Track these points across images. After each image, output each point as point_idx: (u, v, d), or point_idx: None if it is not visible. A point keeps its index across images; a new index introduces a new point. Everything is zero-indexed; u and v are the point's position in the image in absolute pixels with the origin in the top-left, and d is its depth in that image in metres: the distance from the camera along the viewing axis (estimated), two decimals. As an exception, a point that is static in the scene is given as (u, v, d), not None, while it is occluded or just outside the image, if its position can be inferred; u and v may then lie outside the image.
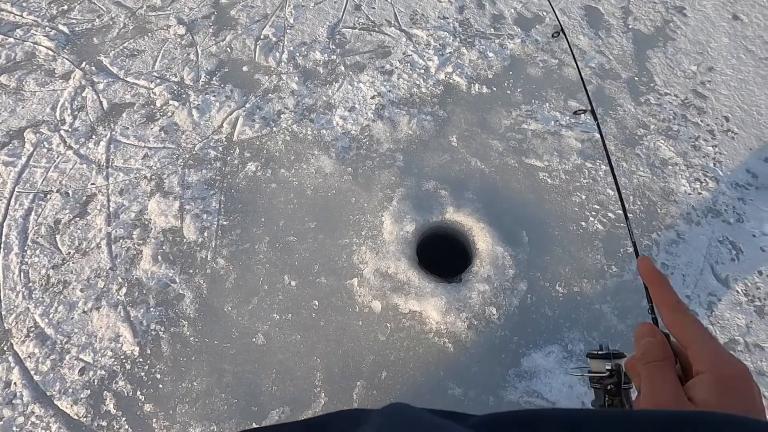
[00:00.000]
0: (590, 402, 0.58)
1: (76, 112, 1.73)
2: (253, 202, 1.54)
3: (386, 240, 1.45)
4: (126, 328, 1.32)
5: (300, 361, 1.28)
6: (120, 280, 1.40)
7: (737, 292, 1.39)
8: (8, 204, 1.52)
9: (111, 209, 1.52)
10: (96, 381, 1.25)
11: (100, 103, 1.76)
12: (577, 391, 1.24)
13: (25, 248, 1.44)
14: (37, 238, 1.47)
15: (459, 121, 1.73)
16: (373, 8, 2.08)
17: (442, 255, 1.54)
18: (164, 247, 1.45)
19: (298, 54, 1.92)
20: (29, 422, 1.19)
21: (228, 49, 1.93)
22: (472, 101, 1.79)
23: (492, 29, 2.02)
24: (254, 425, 1.19)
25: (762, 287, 1.40)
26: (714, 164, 1.65)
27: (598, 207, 1.54)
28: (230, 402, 1.22)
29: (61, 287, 1.38)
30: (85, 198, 1.54)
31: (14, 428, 1.18)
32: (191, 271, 1.41)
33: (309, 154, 1.64)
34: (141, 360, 1.28)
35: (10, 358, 1.28)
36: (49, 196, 1.54)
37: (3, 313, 1.34)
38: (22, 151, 1.64)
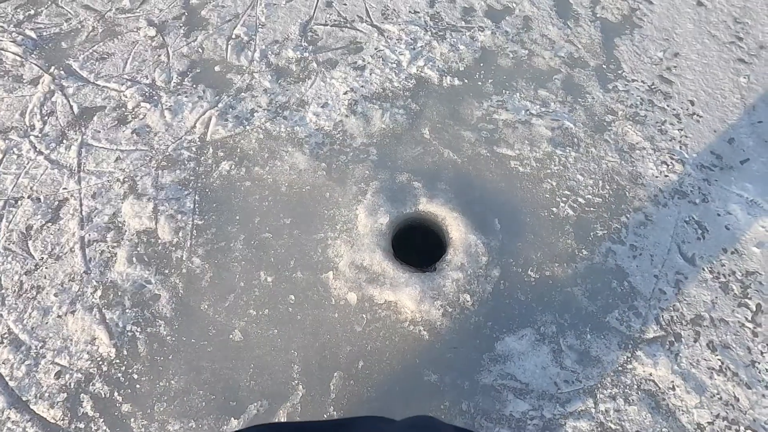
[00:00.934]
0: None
1: (46, 117, 1.72)
2: (227, 201, 1.54)
3: (361, 233, 1.47)
4: (102, 331, 1.31)
5: (277, 355, 1.29)
6: (95, 283, 1.39)
7: (703, 269, 1.43)
8: (-22, 211, 1.51)
9: (84, 213, 1.51)
10: (72, 384, 1.25)
11: (71, 107, 1.75)
12: (550, 372, 1.27)
13: (-3, 255, 1.43)
14: (9, 244, 1.45)
15: (431, 114, 1.75)
16: (345, 4, 2.09)
17: (417, 246, 1.56)
18: (139, 249, 1.45)
19: (270, 52, 1.92)
20: (5, 428, 1.18)
21: (199, 49, 1.93)
22: (444, 94, 1.81)
23: (463, 22, 2.04)
24: (233, 421, 1.20)
25: (726, 264, 1.44)
26: (680, 147, 1.69)
27: (568, 193, 1.57)
28: (208, 398, 1.23)
29: (35, 293, 1.38)
30: (57, 203, 1.53)
31: (-10, 435, 1.18)
32: (167, 271, 1.41)
33: (283, 151, 1.65)
34: (118, 361, 1.28)
35: (-15, 366, 1.27)
36: (20, 202, 1.53)
37: (-24, 320, 1.34)
38: (-8, 158, 1.63)
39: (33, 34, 1.96)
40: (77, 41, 1.95)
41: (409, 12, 2.07)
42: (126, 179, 1.58)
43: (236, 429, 1.07)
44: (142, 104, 1.75)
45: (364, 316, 1.35)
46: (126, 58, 1.89)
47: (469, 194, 1.55)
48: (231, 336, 1.32)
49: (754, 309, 1.36)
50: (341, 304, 1.36)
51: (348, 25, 2.03)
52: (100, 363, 1.28)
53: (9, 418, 1.20)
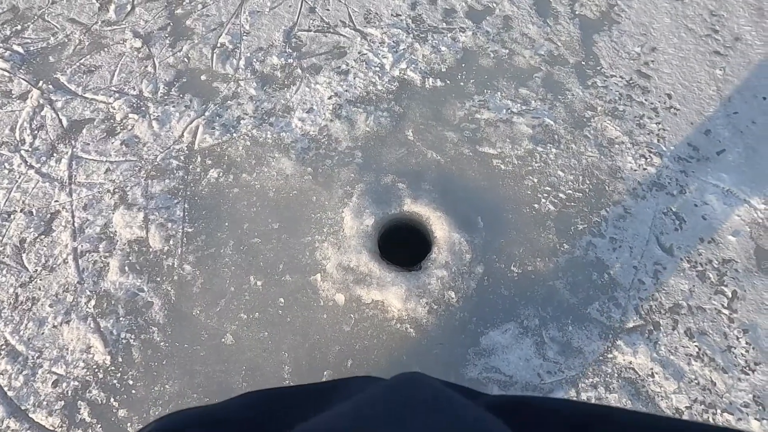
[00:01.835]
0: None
1: (36, 132, 1.75)
2: (216, 208, 1.58)
3: (347, 235, 1.50)
4: (97, 339, 1.35)
5: (269, 356, 1.33)
6: (88, 293, 1.43)
7: (681, 259, 1.47)
8: (-28, 227, 1.54)
9: (76, 225, 1.54)
10: (70, 392, 1.28)
11: (60, 120, 1.78)
12: (533, 363, 1.31)
13: (-8, 269, 1.46)
14: (3, 258, 1.49)
15: (414, 116, 1.79)
16: (328, 10, 2.13)
17: (403, 246, 1.60)
18: (131, 258, 1.48)
19: (255, 60, 1.95)
20: (5, 437, 1.22)
21: (185, 59, 1.96)
22: (427, 95, 1.85)
23: (444, 23, 2.07)
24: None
25: (703, 253, 1.48)
26: (658, 140, 1.73)
27: (549, 189, 1.61)
28: (202, 401, 1.27)
29: (30, 304, 1.41)
30: (49, 216, 1.57)
31: (-9, 444, 1.21)
32: (158, 278, 1.45)
33: (270, 157, 1.68)
34: (113, 368, 1.31)
35: (-17, 377, 1.30)
36: (12, 216, 1.56)
37: (-27, 333, 1.37)
38: (-16, 173, 1.66)
39: (20, 49, 1.98)
40: (64, 55, 1.98)
41: (391, 15, 2.11)
42: (116, 190, 1.61)
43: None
44: (130, 115, 1.78)
45: (352, 316, 1.39)
46: (113, 70, 1.92)
47: (453, 194, 1.59)
48: (223, 340, 1.35)
49: (730, 296, 1.40)
50: (330, 305, 1.40)
51: (331, 30, 2.06)
52: (96, 370, 1.31)
53: (9, 427, 1.23)
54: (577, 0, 2.18)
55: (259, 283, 1.43)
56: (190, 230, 1.53)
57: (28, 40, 2.02)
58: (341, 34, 2.04)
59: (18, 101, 1.84)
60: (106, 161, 1.68)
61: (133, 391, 1.28)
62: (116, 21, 2.09)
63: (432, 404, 0.46)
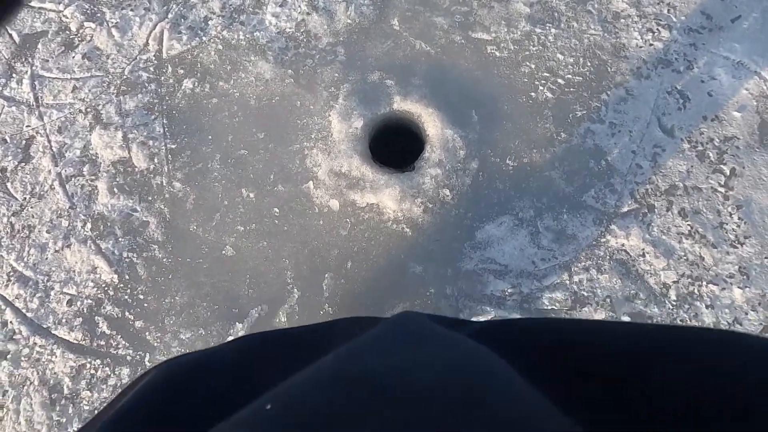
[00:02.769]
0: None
1: (-13, 51, 1.60)
2: (197, 121, 1.50)
3: (336, 139, 1.45)
4: (100, 260, 1.38)
5: (270, 264, 1.37)
6: (82, 216, 1.42)
7: (681, 140, 1.42)
8: (-52, 159, 1.49)
9: (54, 149, 1.49)
10: (85, 309, 1.34)
11: (10, 36, 1.61)
12: (528, 252, 1.34)
13: (-20, 200, 1.44)
14: (-11, 188, 1.46)
15: (400, 2, 1.61)
16: None
17: (396, 146, 1.55)
18: (118, 179, 1.45)
19: (214, -54, 1.70)
20: (34, 352, 1.31)
21: (134, -49, 1.71)
22: (412, -25, 1.64)
23: None
24: (238, 324, 1.32)
25: (705, 132, 1.43)
26: (668, 10, 1.57)
27: (547, 74, 1.51)
28: (212, 308, 1.33)
29: (28, 232, 1.42)
30: (24, 142, 1.50)
31: (23, 358, 1.30)
32: (150, 198, 1.43)
33: (245, 61, 1.55)
34: (122, 285, 1.36)
35: (0, 303, 1.36)
36: (-14, 145, 1.50)
37: (-21, 263, 1.39)
38: (-56, 101, 1.55)
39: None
40: (-4, -44, 1.73)
41: None
42: (88, 109, 1.52)
43: (238, 335, 1.17)
44: (86, 24, 1.61)
45: (348, 220, 1.39)
46: (55, -28, 1.69)
47: (445, 87, 1.49)
48: (223, 252, 1.38)
49: (728, 173, 1.38)
50: (325, 212, 1.40)
51: None
52: (106, 289, 1.36)
53: (36, 343, 1.32)
54: None
55: (251, 195, 1.42)
56: (173, 146, 1.47)
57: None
58: None
59: (-42, 17, 1.65)
60: (71, 79, 1.56)
61: (146, 305, 1.34)
62: None
63: (427, 335, 0.50)
